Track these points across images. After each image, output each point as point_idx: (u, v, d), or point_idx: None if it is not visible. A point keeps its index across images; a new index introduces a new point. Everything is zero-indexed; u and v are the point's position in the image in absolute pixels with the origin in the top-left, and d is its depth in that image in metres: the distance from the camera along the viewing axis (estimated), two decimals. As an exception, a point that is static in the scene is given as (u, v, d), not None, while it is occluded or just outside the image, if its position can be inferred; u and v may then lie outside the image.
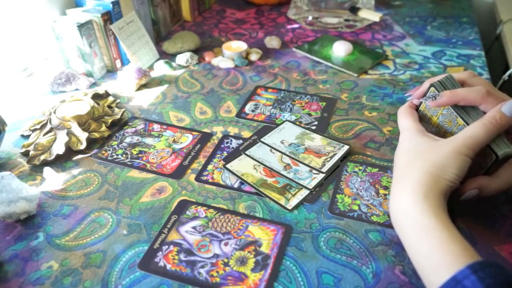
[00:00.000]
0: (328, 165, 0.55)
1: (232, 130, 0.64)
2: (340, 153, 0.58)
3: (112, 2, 0.75)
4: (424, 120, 0.49)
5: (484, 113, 0.44)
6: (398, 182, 0.42)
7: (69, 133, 0.59)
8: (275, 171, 0.55)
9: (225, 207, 0.51)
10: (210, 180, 0.55)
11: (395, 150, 0.47)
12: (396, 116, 0.65)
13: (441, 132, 0.48)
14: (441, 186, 0.39)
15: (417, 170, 0.40)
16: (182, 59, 0.82)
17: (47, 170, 0.56)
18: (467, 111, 0.45)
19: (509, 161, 0.44)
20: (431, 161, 0.40)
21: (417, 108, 0.50)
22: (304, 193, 0.52)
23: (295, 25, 1.00)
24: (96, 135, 0.61)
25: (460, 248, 0.35)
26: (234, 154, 0.58)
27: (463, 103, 0.45)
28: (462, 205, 0.49)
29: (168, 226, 0.48)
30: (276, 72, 0.79)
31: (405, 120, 0.47)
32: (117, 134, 0.63)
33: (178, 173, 0.56)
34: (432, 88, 0.47)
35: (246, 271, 0.43)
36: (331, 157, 0.57)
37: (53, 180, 0.55)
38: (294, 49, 0.87)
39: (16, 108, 0.69)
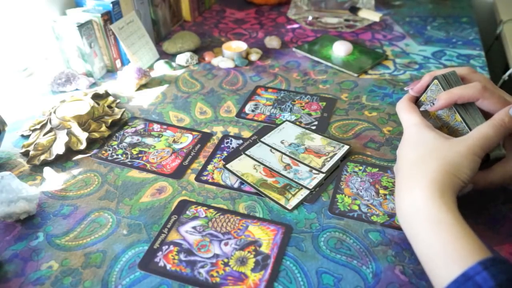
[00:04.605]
0: (328, 165, 0.55)
1: (232, 130, 0.64)
2: (340, 153, 0.58)
3: (112, 2, 0.75)
4: (423, 112, 0.49)
5: (481, 110, 0.45)
6: (409, 178, 0.42)
7: (69, 133, 0.59)
8: (275, 171, 0.55)
9: (225, 207, 0.51)
10: (210, 180, 0.55)
11: (400, 145, 0.46)
12: (397, 116, 0.66)
13: (438, 125, 0.49)
14: (455, 185, 0.40)
15: (431, 166, 0.40)
16: (182, 59, 0.82)
17: (47, 170, 0.56)
18: (465, 108, 0.46)
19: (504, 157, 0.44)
20: (447, 159, 0.40)
21: (415, 100, 0.50)
22: (304, 193, 0.52)
23: (295, 25, 1.00)
24: (96, 135, 0.61)
25: (472, 244, 0.35)
26: (234, 154, 0.58)
27: (461, 101, 0.45)
28: (462, 205, 0.49)
29: (168, 226, 0.48)
30: (276, 72, 0.79)
31: (410, 115, 0.47)
32: (117, 134, 0.63)
33: (178, 173, 0.56)
34: (436, 81, 0.47)
35: (246, 271, 0.43)
36: (331, 157, 0.57)
37: (53, 180, 0.55)
38: (294, 49, 0.87)
39: (16, 108, 0.69)
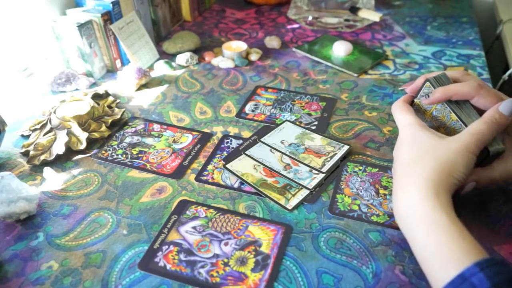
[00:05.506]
0: (328, 165, 0.55)
1: (232, 130, 0.64)
2: (340, 153, 0.58)
3: (112, 2, 0.75)
4: (418, 114, 0.50)
5: (475, 108, 0.46)
6: (404, 178, 0.42)
7: (69, 133, 0.59)
8: (275, 171, 0.55)
9: (225, 207, 0.51)
10: (210, 180, 0.55)
11: (395, 145, 0.46)
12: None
13: (435, 126, 0.49)
14: (449, 184, 0.40)
15: (426, 166, 0.40)
16: (182, 59, 0.82)
17: (47, 170, 0.56)
18: (460, 106, 0.46)
19: (504, 154, 0.45)
20: (441, 158, 0.40)
21: (411, 102, 0.50)
22: (304, 193, 0.52)
23: (295, 25, 1.00)
24: (96, 135, 0.61)
25: (468, 245, 0.35)
26: (234, 154, 0.58)
27: (456, 98, 0.46)
28: (462, 205, 0.49)
29: (168, 226, 0.48)
30: (276, 72, 0.79)
31: (404, 116, 0.47)
32: (117, 134, 0.63)
33: (178, 173, 0.56)
34: (428, 83, 0.48)
35: (246, 271, 0.43)
36: (331, 157, 0.57)
37: (53, 180, 0.55)
38: (294, 49, 0.87)
39: (16, 108, 0.69)
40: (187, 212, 0.50)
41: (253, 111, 0.68)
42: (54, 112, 0.62)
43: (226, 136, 0.63)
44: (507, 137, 0.45)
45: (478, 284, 0.32)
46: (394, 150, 0.47)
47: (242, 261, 0.44)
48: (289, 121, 0.65)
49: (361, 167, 0.56)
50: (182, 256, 0.45)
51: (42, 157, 0.57)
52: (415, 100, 0.50)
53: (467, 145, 0.41)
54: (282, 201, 0.51)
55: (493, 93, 0.45)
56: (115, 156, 0.59)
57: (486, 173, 0.44)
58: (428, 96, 0.47)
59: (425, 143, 0.43)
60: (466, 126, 0.45)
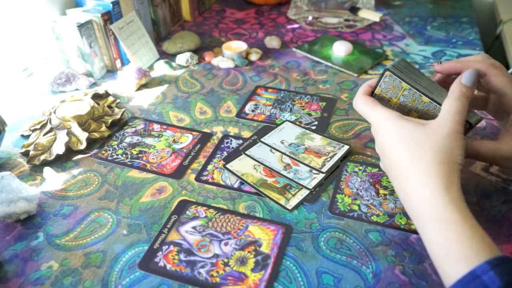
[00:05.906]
0: (328, 165, 0.55)
1: (232, 130, 0.64)
2: (340, 153, 0.58)
3: (112, 2, 0.75)
4: (382, 103, 0.48)
5: (444, 87, 0.46)
6: (409, 177, 0.40)
7: (69, 133, 0.59)
8: (275, 171, 0.55)
9: (225, 207, 0.51)
10: (210, 180, 0.55)
11: (378, 142, 0.45)
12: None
13: (405, 111, 0.48)
14: (455, 172, 0.39)
15: (428, 160, 0.40)
16: (182, 59, 0.82)
17: (47, 170, 0.56)
18: (429, 88, 0.46)
19: (500, 135, 0.45)
20: (438, 148, 0.40)
21: (370, 94, 0.49)
22: (304, 193, 0.52)
23: (295, 25, 1.00)
24: (96, 135, 0.61)
25: (480, 242, 0.35)
26: (234, 154, 0.58)
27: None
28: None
29: (168, 226, 0.48)
30: (276, 72, 0.79)
31: (375, 110, 0.45)
32: (117, 134, 0.63)
33: (178, 173, 0.56)
34: (388, 73, 0.47)
35: (246, 271, 0.43)
36: (331, 157, 0.57)
37: (53, 180, 0.55)
38: (294, 49, 0.87)
39: (16, 108, 0.69)
40: (187, 212, 0.50)
41: (253, 111, 0.68)
42: (54, 112, 0.62)
43: (226, 136, 0.63)
44: (506, 118, 0.45)
45: (489, 283, 0.32)
46: (377, 147, 0.46)
47: (242, 261, 0.44)
48: (289, 121, 0.65)
49: (361, 167, 0.56)
50: (182, 256, 0.45)
51: (42, 157, 0.57)
52: (376, 89, 0.49)
53: (454, 127, 0.40)
54: (282, 201, 0.51)
55: (506, 73, 0.44)
56: (115, 156, 0.59)
57: (474, 146, 0.44)
58: (389, 86, 0.47)
59: (413, 135, 0.41)
60: (439, 104, 0.45)
